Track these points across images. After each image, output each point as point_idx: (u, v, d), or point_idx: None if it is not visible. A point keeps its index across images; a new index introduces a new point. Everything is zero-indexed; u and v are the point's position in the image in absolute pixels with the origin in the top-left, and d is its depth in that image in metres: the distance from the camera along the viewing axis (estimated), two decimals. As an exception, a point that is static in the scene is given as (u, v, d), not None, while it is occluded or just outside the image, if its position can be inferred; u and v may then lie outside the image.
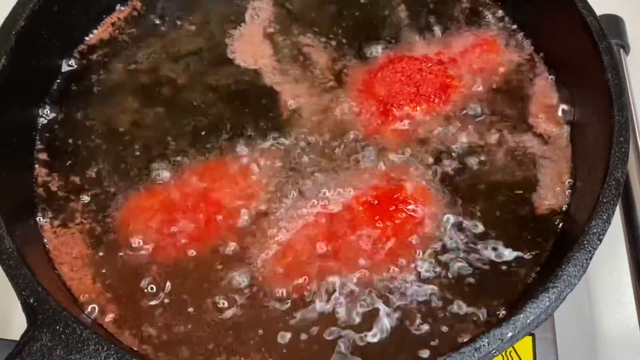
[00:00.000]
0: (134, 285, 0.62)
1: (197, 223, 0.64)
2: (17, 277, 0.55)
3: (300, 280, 0.61)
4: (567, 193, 0.66)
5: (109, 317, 0.60)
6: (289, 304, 0.60)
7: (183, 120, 0.71)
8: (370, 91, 0.71)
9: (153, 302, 0.61)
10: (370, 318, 0.60)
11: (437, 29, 0.77)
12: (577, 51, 0.68)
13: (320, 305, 0.60)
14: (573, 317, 0.76)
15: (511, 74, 0.74)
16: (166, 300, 0.61)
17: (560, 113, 0.71)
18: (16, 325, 0.74)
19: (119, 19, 0.79)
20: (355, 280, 0.61)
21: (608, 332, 0.77)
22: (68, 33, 0.75)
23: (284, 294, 0.61)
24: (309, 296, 0.60)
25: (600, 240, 0.56)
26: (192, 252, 0.63)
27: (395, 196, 0.64)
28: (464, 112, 0.71)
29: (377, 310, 0.60)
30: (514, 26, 0.77)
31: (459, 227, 0.64)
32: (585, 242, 0.56)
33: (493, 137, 0.69)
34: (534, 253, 0.63)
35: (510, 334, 0.52)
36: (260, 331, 0.59)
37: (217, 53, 0.76)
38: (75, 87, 0.74)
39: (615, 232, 0.69)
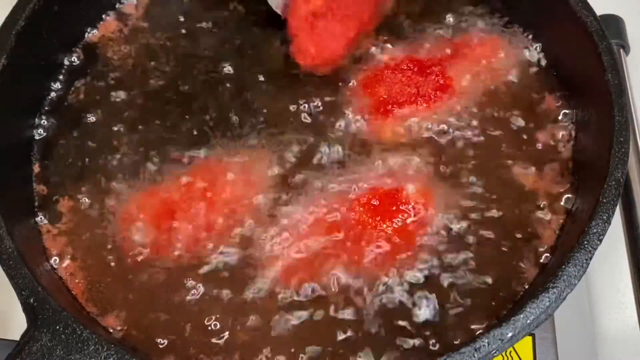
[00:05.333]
0: (134, 285, 0.62)
1: (197, 224, 0.64)
2: (17, 277, 0.56)
3: (305, 281, 0.61)
4: (567, 193, 0.66)
5: (109, 315, 0.61)
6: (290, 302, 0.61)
7: (186, 119, 0.71)
8: (371, 91, 0.71)
9: (153, 301, 0.61)
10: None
11: (436, 30, 0.76)
12: (577, 51, 0.69)
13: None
14: (573, 317, 0.76)
15: (511, 74, 0.73)
16: (167, 301, 0.61)
17: (560, 113, 0.71)
18: (16, 325, 0.74)
19: (119, 18, 0.79)
20: (357, 279, 0.61)
21: (608, 332, 0.77)
22: (68, 33, 0.75)
23: (285, 292, 0.61)
24: (310, 295, 0.61)
25: (600, 240, 0.56)
26: (192, 252, 0.63)
27: (396, 196, 0.64)
28: (464, 112, 0.71)
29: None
30: (514, 27, 0.77)
31: (459, 225, 0.64)
32: (585, 242, 0.56)
33: (494, 136, 0.69)
34: (533, 252, 0.63)
35: (510, 334, 0.52)
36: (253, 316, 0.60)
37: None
38: (75, 86, 0.74)
39: (615, 232, 0.69)
